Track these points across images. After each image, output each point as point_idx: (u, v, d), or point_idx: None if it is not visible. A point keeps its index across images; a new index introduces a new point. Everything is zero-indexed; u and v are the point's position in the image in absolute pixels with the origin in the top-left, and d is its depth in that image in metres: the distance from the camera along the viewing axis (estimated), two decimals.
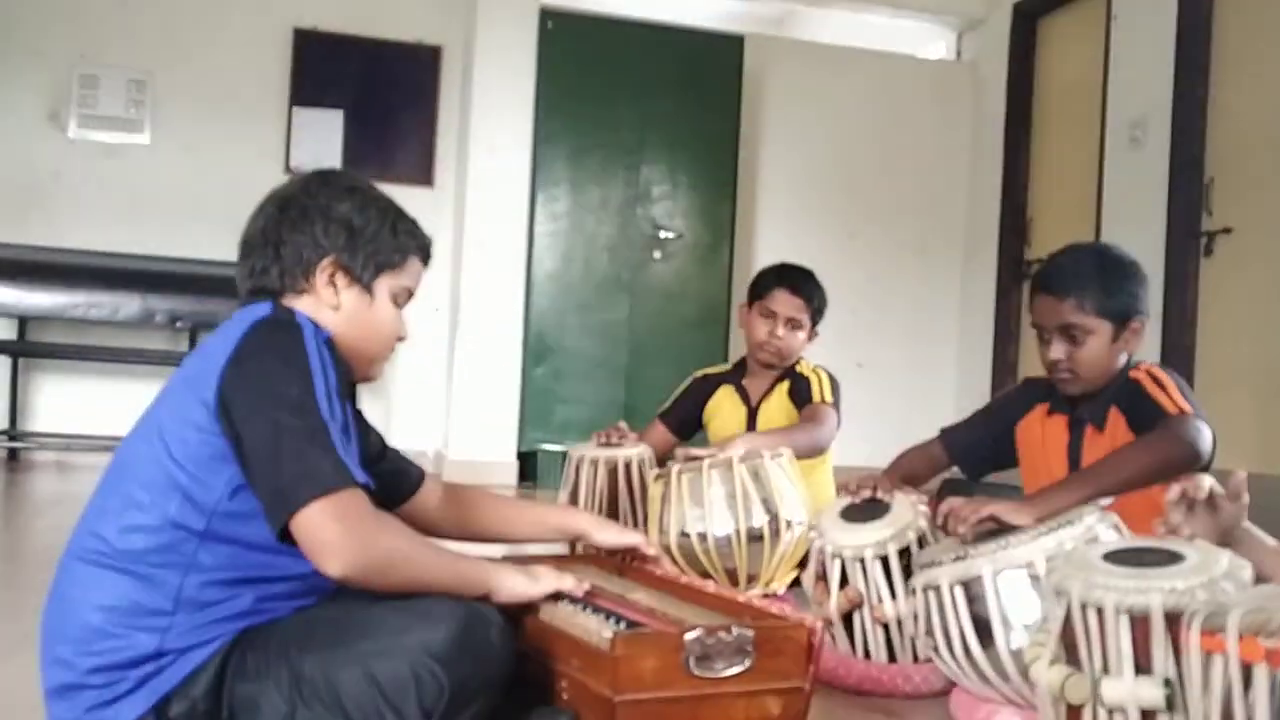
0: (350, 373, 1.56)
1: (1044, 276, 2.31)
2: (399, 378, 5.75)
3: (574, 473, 3.01)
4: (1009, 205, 6.03)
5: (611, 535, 1.99)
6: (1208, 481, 1.63)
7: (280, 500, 1.34)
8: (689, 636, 1.48)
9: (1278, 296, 4.42)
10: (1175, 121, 4.80)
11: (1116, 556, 1.48)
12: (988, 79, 6.29)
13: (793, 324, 3.15)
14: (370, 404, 5.73)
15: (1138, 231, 4.83)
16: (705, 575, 2.57)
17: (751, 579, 2.60)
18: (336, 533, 1.33)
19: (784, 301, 3.15)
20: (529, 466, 5.45)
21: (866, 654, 2.15)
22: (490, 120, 5.52)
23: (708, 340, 5.60)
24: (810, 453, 2.92)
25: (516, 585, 1.59)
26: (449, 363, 5.65)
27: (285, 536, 1.35)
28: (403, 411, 5.75)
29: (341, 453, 1.36)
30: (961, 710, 1.93)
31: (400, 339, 1.63)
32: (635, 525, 2.89)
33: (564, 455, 5.45)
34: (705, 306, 5.68)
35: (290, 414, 1.36)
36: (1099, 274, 2.25)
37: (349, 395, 1.59)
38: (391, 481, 1.79)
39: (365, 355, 1.59)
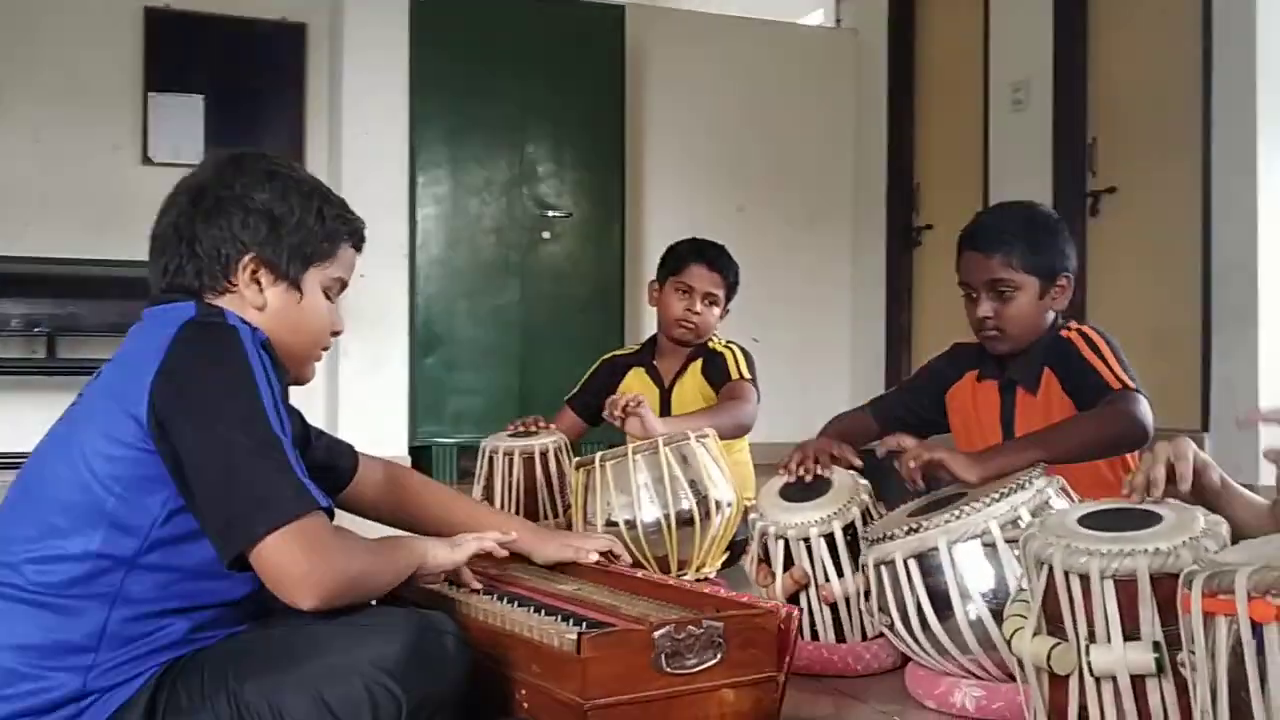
0: (286, 374, 1.42)
1: (971, 234, 2.29)
2: None
3: (487, 465, 2.89)
4: (896, 172, 6.07)
5: (552, 551, 1.89)
6: (1191, 446, 1.57)
7: (236, 528, 1.22)
8: (659, 633, 1.39)
9: (1162, 253, 4.53)
10: (1057, 83, 4.88)
11: (1092, 520, 1.44)
12: (869, 45, 6.33)
13: (710, 299, 3.09)
14: None
15: (1024, 193, 4.82)
16: (635, 563, 2.49)
17: (682, 564, 2.52)
18: (306, 563, 1.23)
19: (701, 277, 3.09)
20: (422, 461, 5.29)
21: (814, 635, 2.10)
22: (363, 101, 5.32)
23: (604, 322, 5.51)
24: (735, 432, 2.86)
25: (439, 556, 1.54)
26: (333, 356, 5.43)
27: (235, 564, 1.22)
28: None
29: (299, 472, 1.25)
30: (920, 685, 1.88)
31: (335, 334, 1.50)
32: (556, 516, 2.80)
33: (458, 448, 5.39)
34: (599, 287, 5.58)
35: (239, 430, 1.24)
36: (1026, 230, 2.23)
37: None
38: (326, 472, 1.68)
39: (297, 356, 1.46)
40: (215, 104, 5.47)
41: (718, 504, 2.49)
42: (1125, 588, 1.33)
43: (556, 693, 1.39)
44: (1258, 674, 1.07)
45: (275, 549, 1.22)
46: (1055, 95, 4.89)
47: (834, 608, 2.07)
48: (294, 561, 1.23)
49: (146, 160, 5.38)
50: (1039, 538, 1.41)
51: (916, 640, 1.82)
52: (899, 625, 1.84)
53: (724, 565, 2.69)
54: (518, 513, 2.80)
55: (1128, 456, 2.23)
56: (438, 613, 1.40)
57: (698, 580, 2.53)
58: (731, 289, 3.16)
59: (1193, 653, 1.17)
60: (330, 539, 1.27)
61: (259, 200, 1.42)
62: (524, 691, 1.45)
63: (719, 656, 1.43)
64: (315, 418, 5.95)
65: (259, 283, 1.42)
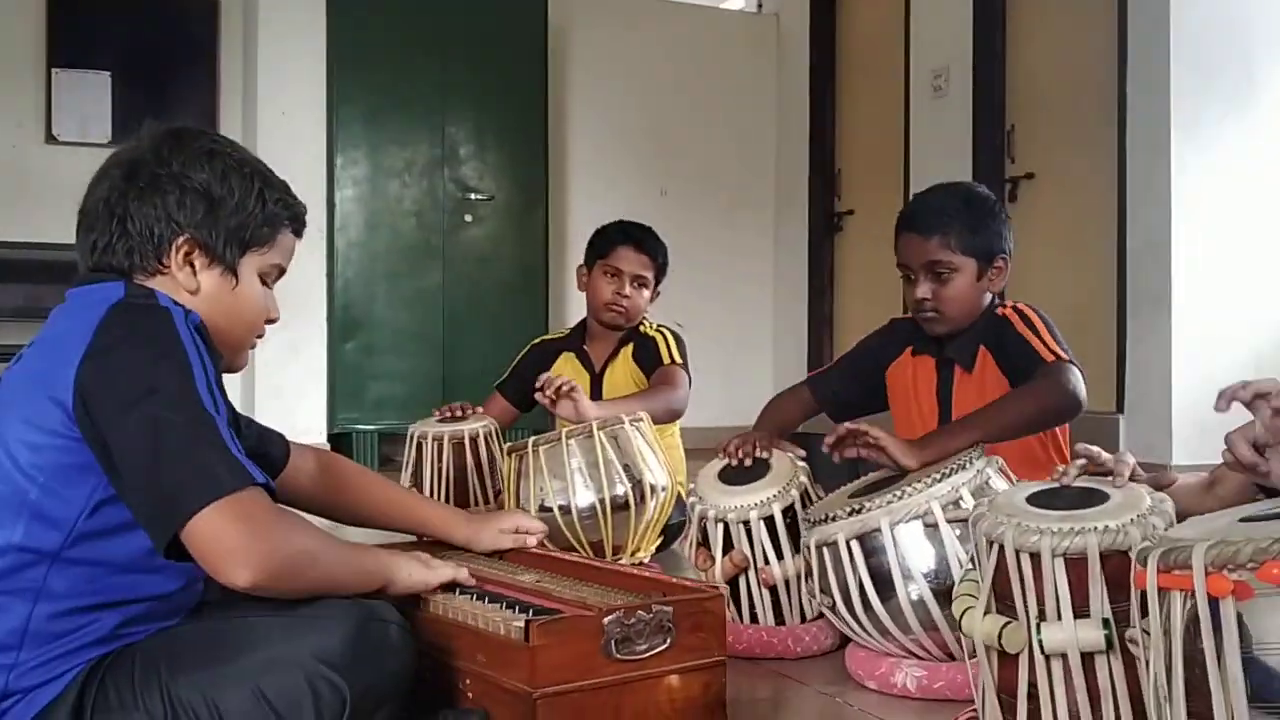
0: (219, 361, 1.36)
1: (909, 216, 2.29)
2: None
3: (415, 452, 2.83)
4: (817, 157, 6.10)
5: (488, 540, 1.85)
6: (1130, 462, 1.54)
7: (167, 508, 1.15)
8: (608, 619, 1.36)
9: (1079, 238, 4.61)
10: (976, 70, 4.93)
11: (1041, 499, 1.45)
12: (791, 30, 6.34)
13: (639, 282, 3.07)
14: None
15: (944, 179, 4.91)
16: (569, 549, 2.46)
17: (617, 549, 2.50)
18: (242, 537, 1.16)
19: (629, 259, 3.06)
20: (342, 448, 5.18)
21: (754, 618, 2.09)
22: (278, 81, 5.19)
23: (527, 306, 5.45)
24: (667, 417, 2.84)
25: (414, 574, 1.47)
26: None
27: (170, 551, 1.16)
28: None
29: (234, 450, 1.19)
30: (860, 666, 1.88)
31: (271, 321, 1.44)
32: (488, 502, 2.76)
33: (379, 435, 5.29)
34: (523, 271, 5.52)
35: (170, 409, 1.18)
36: (964, 212, 2.24)
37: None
38: (257, 460, 1.61)
39: (230, 343, 1.40)
40: (123, 81, 5.28)
41: (652, 488, 2.47)
42: (1075, 566, 1.33)
43: (503, 682, 1.35)
44: (1214, 648, 1.08)
45: (207, 525, 1.16)
46: (975, 82, 4.94)
47: (773, 590, 2.06)
48: (227, 534, 1.16)
49: (51, 139, 5.19)
50: (989, 517, 1.40)
51: (858, 621, 1.82)
52: (841, 606, 1.83)
53: (658, 549, 2.68)
54: (447, 499, 2.76)
55: (1058, 432, 2.26)
56: (381, 602, 1.35)
57: (633, 565, 2.52)
58: (661, 270, 3.15)
59: (1146, 631, 1.18)
60: (269, 514, 1.21)
61: (197, 180, 1.35)
62: (468, 681, 1.41)
63: (668, 641, 1.41)
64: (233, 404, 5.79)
65: (193, 266, 1.36)
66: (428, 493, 2.77)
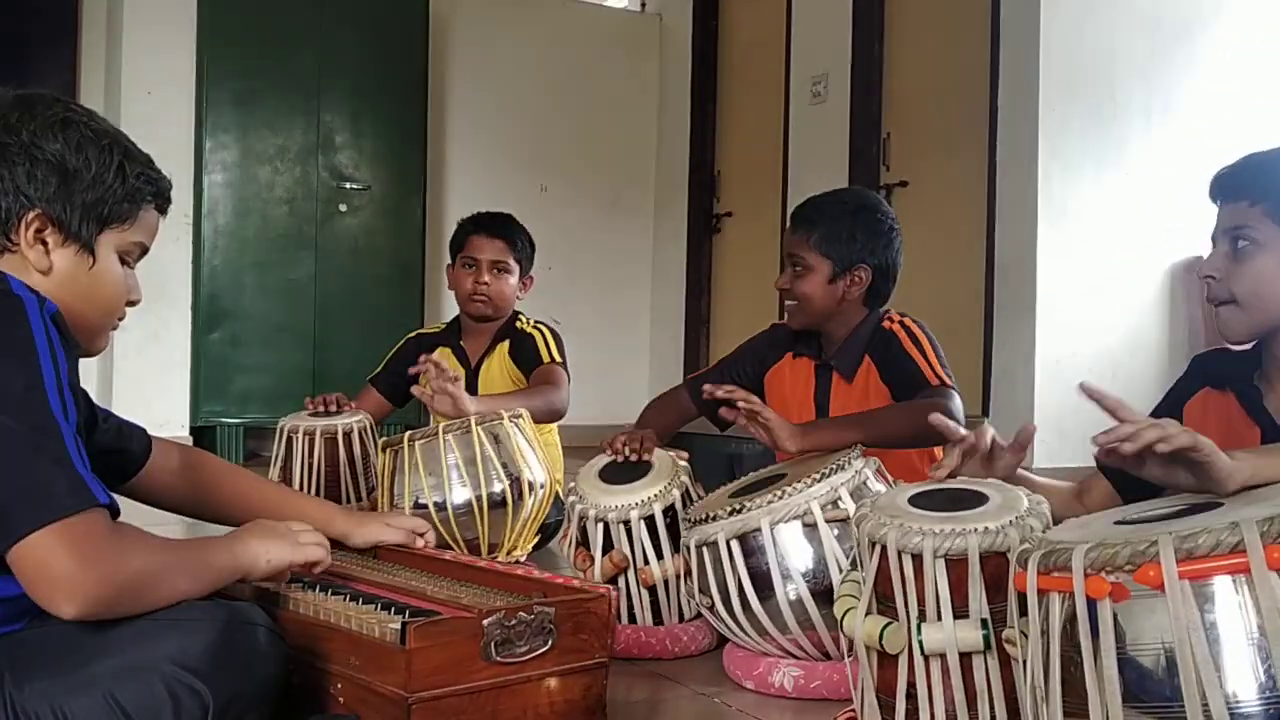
0: (78, 347, 1.28)
1: (797, 208, 2.37)
2: None
3: (284, 446, 2.73)
4: (697, 159, 6.13)
5: (371, 533, 1.78)
6: (990, 432, 1.64)
7: None
8: (488, 620, 1.32)
9: (950, 247, 4.72)
10: (854, 78, 5.02)
11: (922, 500, 1.46)
12: (674, 31, 6.36)
13: (498, 268, 3.02)
14: None
15: (821, 185, 4.96)
16: (444, 547, 2.40)
17: (493, 547, 2.46)
18: (69, 565, 1.09)
19: (483, 246, 3.03)
20: (205, 442, 5.01)
21: (632, 618, 2.07)
22: (144, 59, 4.99)
23: (403, 299, 5.34)
24: (548, 417, 2.81)
25: (273, 558, 1.38)
26: None
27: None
28: None
29: (78, 465, 1.12)
30: (738, 666, 1.88)
31: (132, 303, 1.36)
32: (360, 499, 2.68)
33: (244, 429, 5.12)
34: (398, 264, 5.41)
35: (11, 415, 1.10)
36: (840, 217, 2.28)
37: None
38: (115, 456, 1.54)
39: (87, 327, 1.32)
40: None
41: (531, 485, 2.44)
42: (955, 567, 1.35)
43: (377, 686, 1.30)
44: (1091, 649, 1.10)
45: (34, 549, 1.08)
46: (852, 90, 5.03)
47: (652, 590, 2.04)
48: (54, 562, 1.09)
49: None
50: (872, 518, 1.41)
51: (736, 621, 1.82)
52: (719, 606, 1.83)
53: (535, 548, 2.64)
54: (319, 495, 2.67)
55: (936, 450, 2.30)
56: (247, 604, 1.28)
57: (508, 564, 2.48)
58: (524, 257, 3.09)
59: (1024, 631, 1.19)
60: (104, 539, 1.13)
61: (49, 151, 1.26)
62: (340, 685, 1.36)
63: (549, 643, 1.38)
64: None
65: (45, 243, 1.27)
66: (297, 488, 2.68)
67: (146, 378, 5.00)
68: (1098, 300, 4.24)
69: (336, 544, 1.77)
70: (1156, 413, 1.64)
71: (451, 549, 2.40)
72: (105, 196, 1.30)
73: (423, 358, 2.60)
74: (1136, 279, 4.32)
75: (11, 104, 1.28)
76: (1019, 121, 4.28)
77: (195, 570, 1.27)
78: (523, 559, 2.52)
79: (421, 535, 1.83)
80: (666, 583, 2.03)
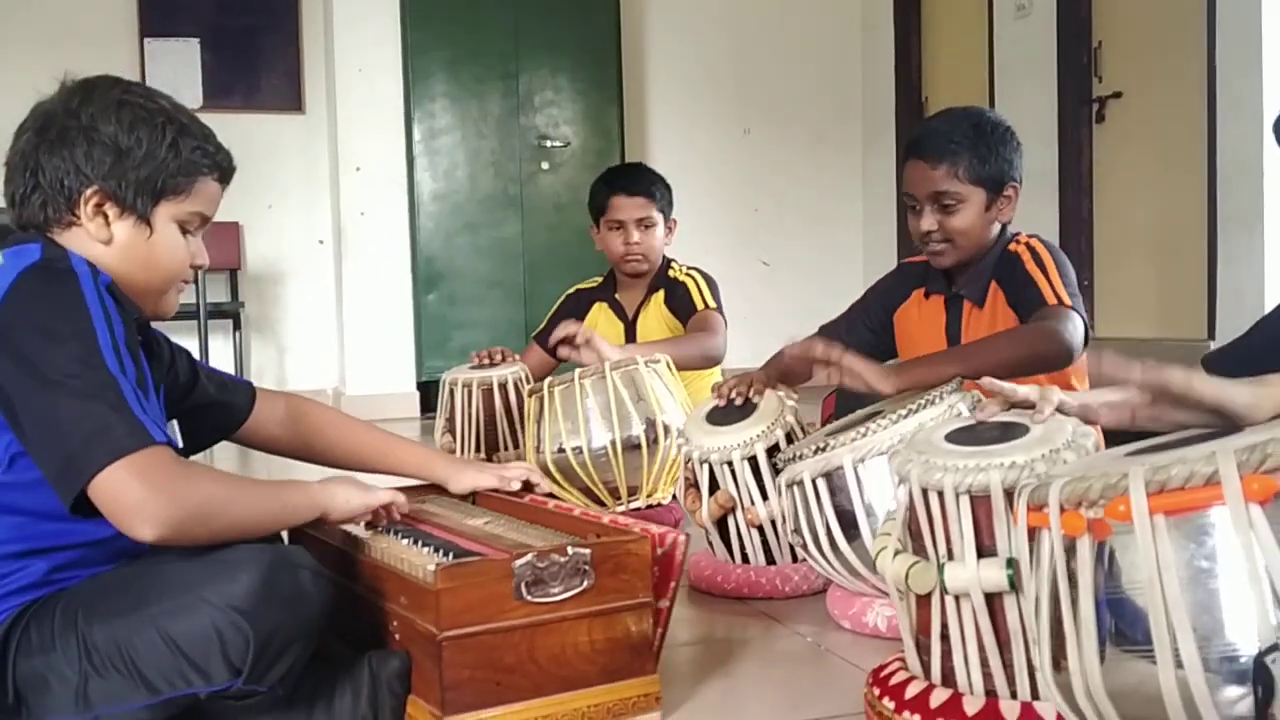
0: (138, 312, 1.41)
1: (916, 142, 2.19)
2: (288, 317, 5.58)
3: (448, 397, 2.90)
4: (903, 85, 5.92)
5: (468, 479, 1.86)
6: (1056, 398, 1.44)
7: (71, 468, 1.20)
8: (519, 562, 1.38)
9: (1169, 159, 4.38)
10: None
11: (958, 435, 1.40)
12: None
13: (644, 224, 3.04)
14: (261, 346, 5.59)
15: (1030, 101, 4.76)
16: (586, 490, 2.49)
17: (633, 490, 2.52)
18: (142, 492, 1.20)
19: (625, 206, 3.05)
20: (430, 396, 5.32)
21: (745, 558, 2.08)
22: (355, 38, 5.29)
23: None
24: (702, 363, 2.83)
25: (351, 500, 1.47)
26: (338, 297, 5.46)
27: (79, 509, 1.22)
28: (296, 351, 5.59)
29: (137, 410, 1.23)
30: (837, 606, 1.87)
31: (198, 268, 1.48)
32: (516, 447, 2.80)
33: None
34: None
35: (70, 372, 1.22)
36: (973, 139, 2.14)
37: (141, 336, 1.45)
38: (219, 409, 1.67)
39: (151, 292, 1.43)
40: (211, 46, 5.46)
41: (666, 429, 2.47)
42: (981, 503, 1.29)
43: (418, 624, 1.39)
44: (1069, 590, 1.04)
45: (109, 482, 1.20)
46: (1059, 1, 4.71)
47: (761, 530, 2.05)
48: (128, 491, 1.20)
49: None
50: (901, 454, 1.37)
51: (828, 561, 1.80)
52: (811, 546, 1.81)
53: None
54: (477, 444, 2.82)
55: (1072, 379, 2.16)
56: (295, 547, 1.39)
57: (649, 507, 2.53)
58: (665, 205, 3.10)
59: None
60: (169, 467, 1.24)
61: (105, 132, 1.37)
62: (396, 623, 1.45)
63: (585, 584, 1.42)
64: (323, 357, 6.03)
65: (105, 216, 1.39)
66: (459, 437, 2.84)
67: (377, 340, 5.34)
68: None
69: (437, 489, 1.89)
70: None
71: (594, 492, 2.48)
72: (159, 171, 1.39)
73: (556, 333, 2.68)
74: None
75: (73, 90, 1.40)
76: (1240, 20, 3.90)
77: (266, 502, 1.36)
78: (666, 502, 2.57)
79: (523, 481, 1.88)
80: (774, 523, 2.03)
